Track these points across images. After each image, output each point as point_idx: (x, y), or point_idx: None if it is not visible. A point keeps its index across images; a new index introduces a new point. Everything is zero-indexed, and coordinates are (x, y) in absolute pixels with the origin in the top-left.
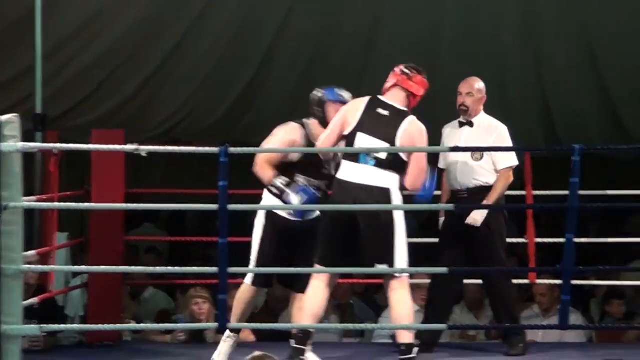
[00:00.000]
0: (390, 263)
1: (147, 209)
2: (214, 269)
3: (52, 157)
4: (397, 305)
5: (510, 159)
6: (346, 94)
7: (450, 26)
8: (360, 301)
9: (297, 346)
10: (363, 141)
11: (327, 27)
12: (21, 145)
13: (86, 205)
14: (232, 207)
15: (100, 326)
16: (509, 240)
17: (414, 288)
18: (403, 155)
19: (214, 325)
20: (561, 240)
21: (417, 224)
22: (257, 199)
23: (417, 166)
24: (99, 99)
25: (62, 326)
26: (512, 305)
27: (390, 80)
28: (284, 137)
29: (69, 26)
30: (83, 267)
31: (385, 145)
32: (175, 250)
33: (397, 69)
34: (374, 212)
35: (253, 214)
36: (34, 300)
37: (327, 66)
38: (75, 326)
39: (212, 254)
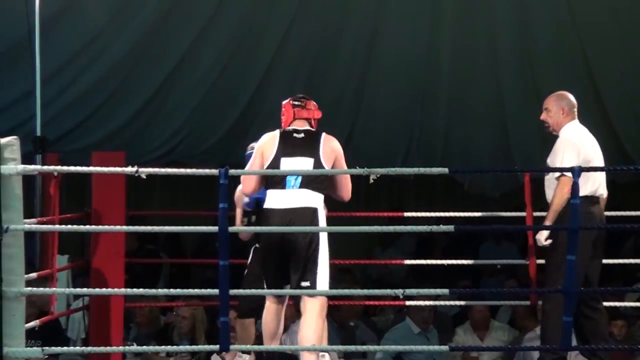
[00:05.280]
0: (313, 282)
1: (148, 231)
2: (215, 291)
3: (52, 180)
4: (308, 327)
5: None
6: None
7: (448, 49)
8: (362, 323)
9: None
10: (288, 164)
11: (323, 51)
12: (21, 167)
13: (87, 227)
14: (232, 229)
15: (102, 348)
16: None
17: (414, 310)
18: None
19: (215, 347)
20: None
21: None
22: None
23: (345, 177)
24: (98, 122)
25: (65, 348)
26: None
27: (287, 117)
28: None
29: (68, 49)
30: (84, 290)
31: (311, 161)
32: (175, 271)
33: (287, 106)
34: (301, 233)
35: None
36: (35, 323)
37: (324, 89)
38: (77, 348)
39: (210, 275)
